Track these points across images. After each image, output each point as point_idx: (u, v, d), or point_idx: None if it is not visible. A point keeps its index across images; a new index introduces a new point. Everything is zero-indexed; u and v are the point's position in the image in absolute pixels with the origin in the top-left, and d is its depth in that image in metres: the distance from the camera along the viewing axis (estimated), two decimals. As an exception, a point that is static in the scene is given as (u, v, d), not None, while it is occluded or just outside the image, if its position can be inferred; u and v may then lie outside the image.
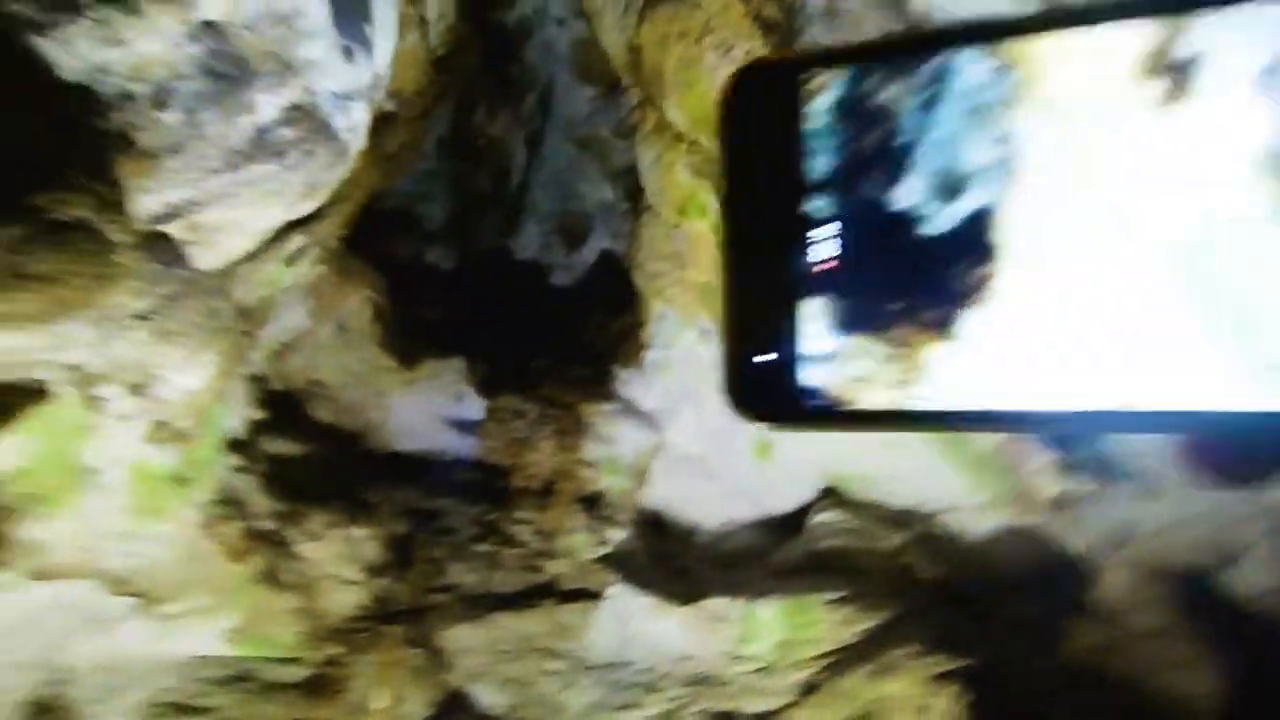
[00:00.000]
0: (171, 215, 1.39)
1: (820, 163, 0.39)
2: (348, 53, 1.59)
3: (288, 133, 1.46)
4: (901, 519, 2.91)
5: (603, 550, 3.19)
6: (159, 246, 1.41)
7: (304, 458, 3.09)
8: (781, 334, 0.41)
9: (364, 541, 2.89)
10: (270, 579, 2.30)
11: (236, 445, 2.44)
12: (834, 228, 0.39)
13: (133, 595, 1.82)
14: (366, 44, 1.69)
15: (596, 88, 5.35)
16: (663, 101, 2.99)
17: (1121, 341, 0.31)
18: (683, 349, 3.78)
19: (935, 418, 0.37)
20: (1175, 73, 0.29)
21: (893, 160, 0.35)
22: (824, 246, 0.39)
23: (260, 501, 2.39)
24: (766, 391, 0.40)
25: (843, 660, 2.39)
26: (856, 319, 0.39)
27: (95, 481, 1.61)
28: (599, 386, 4.05)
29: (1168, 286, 0.30)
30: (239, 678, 2.22)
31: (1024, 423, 0.36)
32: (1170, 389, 0.30)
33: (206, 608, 2.04)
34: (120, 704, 1.88)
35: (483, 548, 3.62)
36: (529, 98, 5.20)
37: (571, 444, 3.60)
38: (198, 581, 1.98)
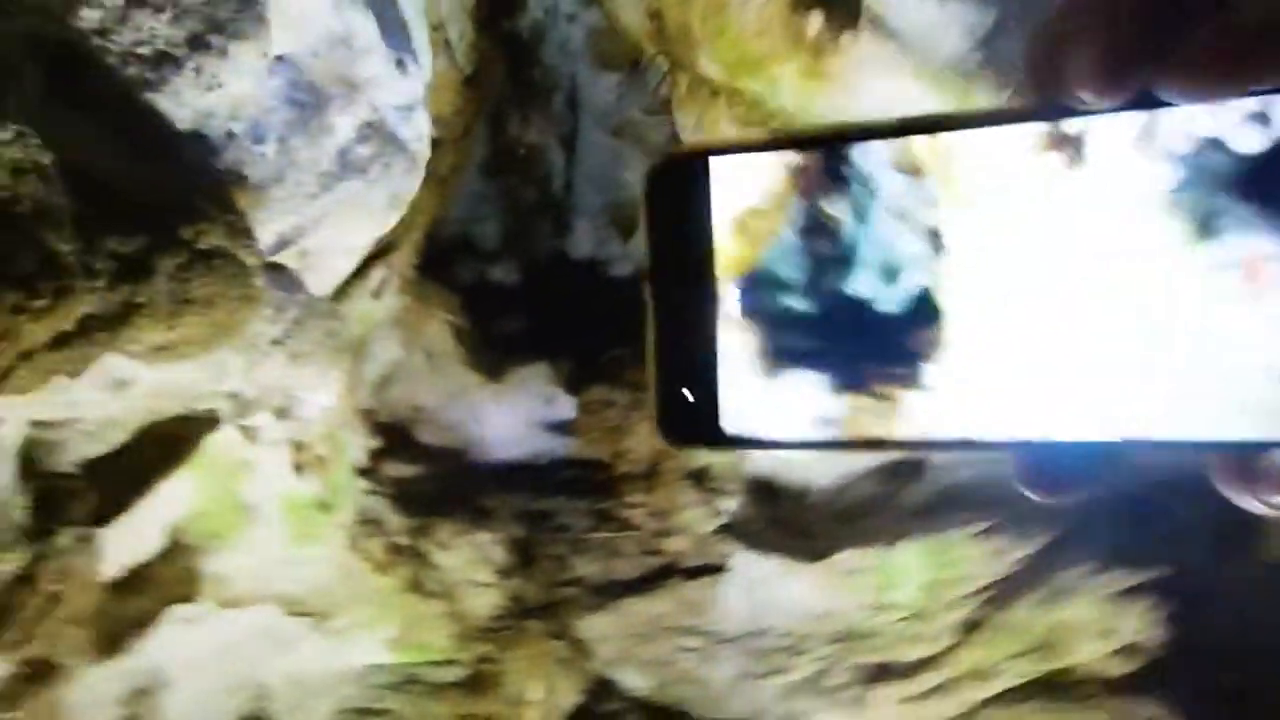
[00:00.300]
0: (284, 244, 1.50)
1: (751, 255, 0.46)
2: (400, 65, 1.66)
3: (364, 150, 1.54)
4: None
5: (719, 522, 3.18)
6: (280, 275, 1.52)
7: (422, 477, 3.24)
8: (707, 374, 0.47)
9: (490, 546, 3.00)
10: (416, 588, 2.42)
11: (363, 472, 2.59)
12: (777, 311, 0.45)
13: (306, 615, 1.98)
14: (414, 55, 1.75)
15: (619, 72, 5.33)
16: (694, 59, 2.93)
17: (1055, 375, 0.36)
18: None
19: (873, 443, 0.44)
20: (1069, 144, 0.35)
21: (838, 258, 0.43)
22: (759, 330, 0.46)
23: (394, 520, 2.52)
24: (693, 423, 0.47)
25: (1003, 593, 2.26)
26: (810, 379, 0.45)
27: (256, 516, 1.75)
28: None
29: (1092, 323, 0.35)
30: (407, 681, 2.35)
31: (958, 448, 0.43)
32: (1105, 416, 0.35)
33: (367, 620, 2.18)
34: (313, 713, 2.04)
35: (599, 537, 3.69)
36: (555, 98, 5.24)
37: (667, 424, 3.57)
38: (356, 596, 2.12)
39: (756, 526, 3.24)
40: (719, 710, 2.80)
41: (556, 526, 3.76)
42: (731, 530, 3.14)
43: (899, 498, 3.32)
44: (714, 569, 3.40)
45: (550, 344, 4.51)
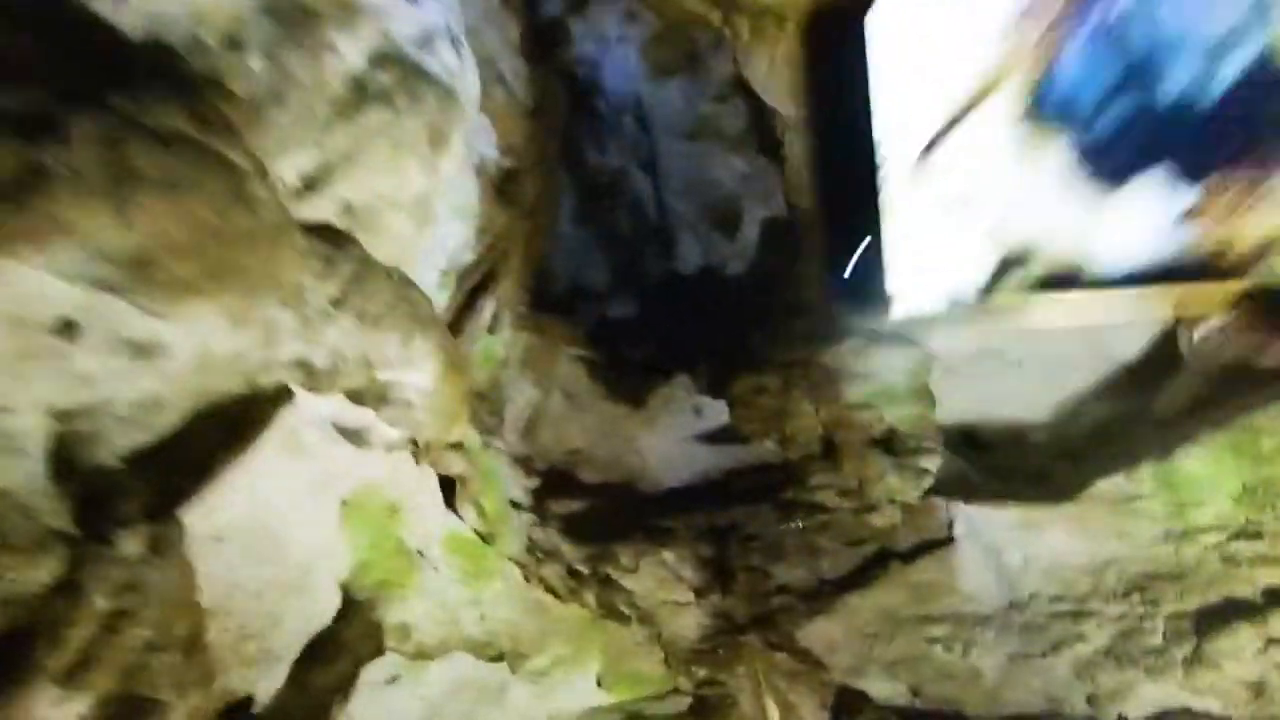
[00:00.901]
0: (312, 183, 1.42)
1: None
2: (409, -4, 1.58)
3: (383, 77, 1.48)
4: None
5: (925, 483, 2.69)
6: (326, 233, 1.44)
7: (590, 510, 3.11)
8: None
9: (677, 564, 2.75)
10: (610, 615, 2.23)
11: (528, 509, 2.50)
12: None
13: (500, 658, 1.85)
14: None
15: (679, 73, 5.21)
16: (750, -6, 2.70)
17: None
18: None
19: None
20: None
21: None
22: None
23: (568, 549, 2.38)
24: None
25: None
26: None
27: (421, 559, 1.69)
28: (825, 329, 3.63)
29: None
30: (630, 717, 2.14)
31: None
32: None
33: (569, 656, 2.02)
34: None
35: (794, 540, 3.30)
36: (624, 119, 5.22)
37: (830, 393, 3.19)
38: (548, 630, 1.97)
39: (974, 480, 2.70)
40: (999, 704, 2.25)
41: (745, 537, 3.43)
42: (945, 490, 2.63)
43: (1147, 411, 2.63)
44: (937, 542, 2.87)
45: (683, 358, 4.30)
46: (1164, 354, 2.59)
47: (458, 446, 1.86)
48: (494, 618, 1.90)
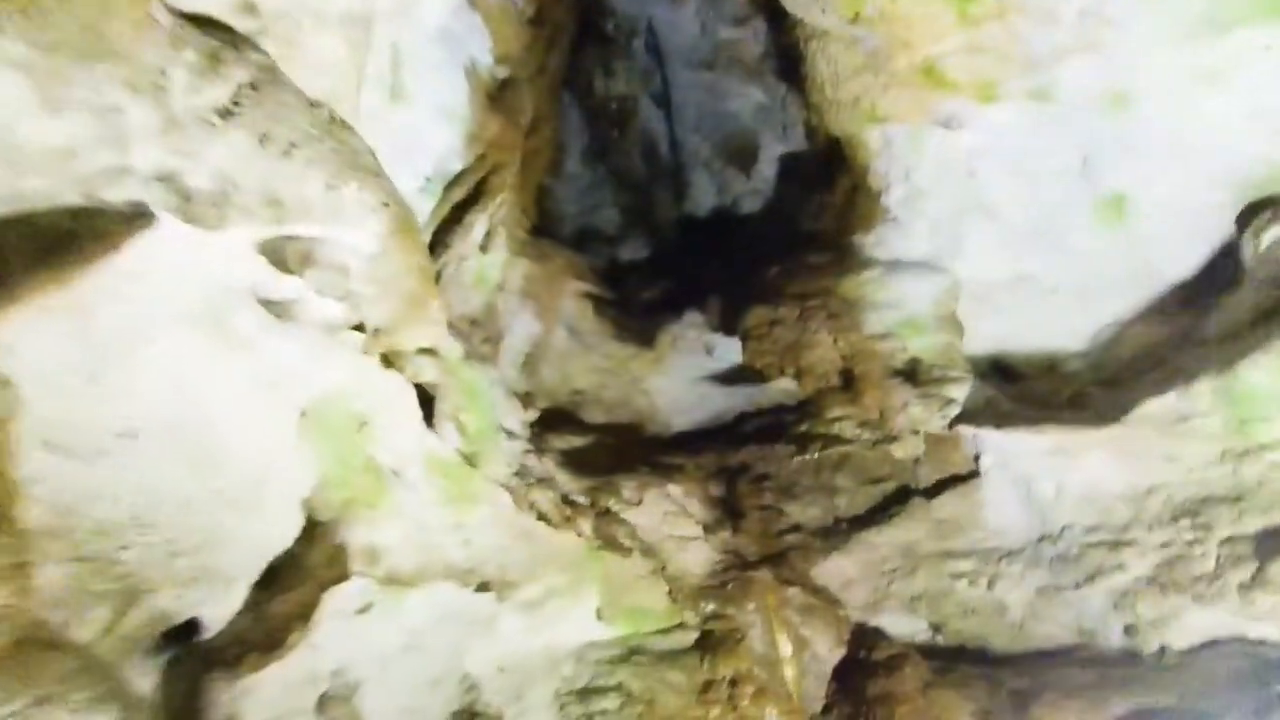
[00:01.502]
0: None
1: None
2: None
3: None
4: None
5: (951, 413, 2.50)
6: (218, 29, 1.22)
7: (594, 445, 2.98)
8: None
9: (685, 499, 2.62)
10: (610, 546, 2.11)
11: (522, 439, 2.37)
12: None
13: (487, 588, 1.74)
14: None
15: (696, -3, 4.89)
16: None
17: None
18: (929, 160, 3.00)
19: None
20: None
21: None
22: None
23: (565, 479, 2.25)
24: None
25: None
26: None
27: (398, 481, 1.56)
28: (846, 260, 3.42)
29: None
30: (632, 653, 2.03)
31: None
32: None
33: (564, 587, 1.90)
34: (533, 700, 1.78)
35: (810, 480, 3.15)
36: (635, 43, 4.93)
37: (850, 324, 3.00)
38: (542, 559, 1.85)
39: (1004, 408, 2.51)
40: (1026, 639, 2.11)
41: (757, 476, 3.29)
42: (974, 419, 2.45)
43: (1202, 328, 2.40)
44: (962, 478, 2.70)
45: (695, 297, 4.11)
46: (1220, 267, 2.36)
47: (429, 352, 1.70)
48: (480, 544, 1.78)
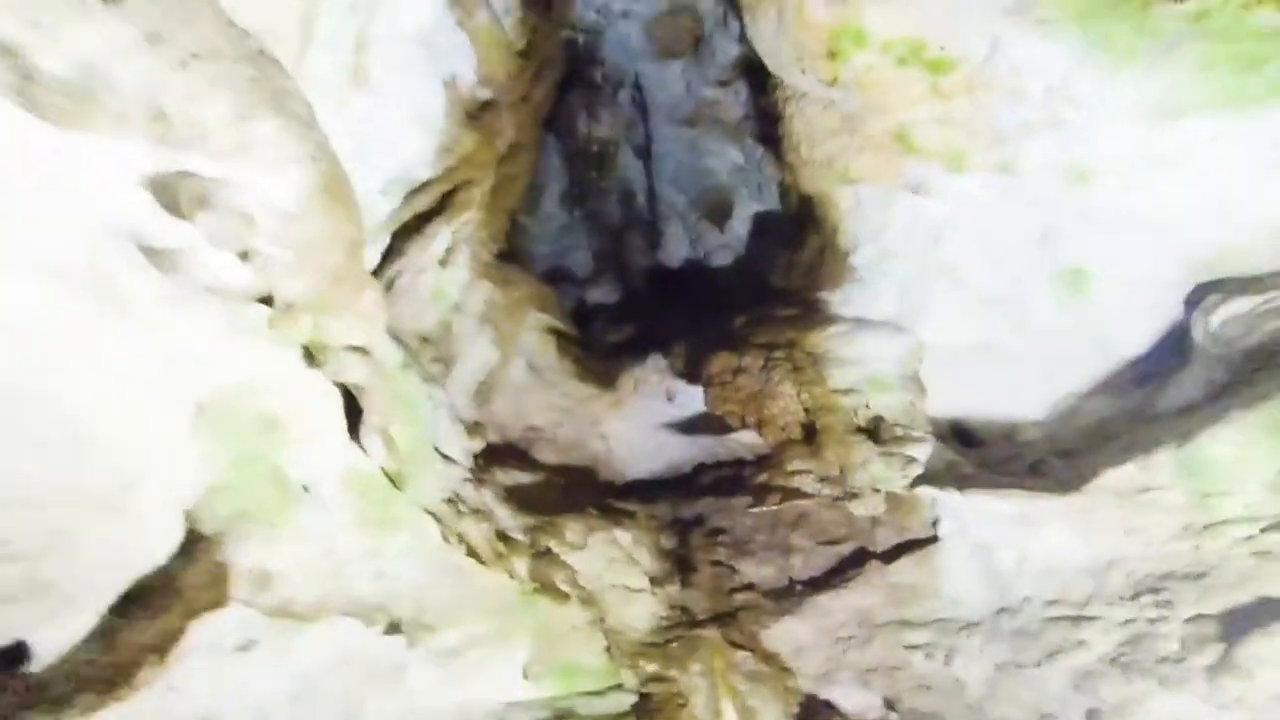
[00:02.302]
0: None
1: None
2: None
3: None
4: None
5: (913, 471, 2.44)
6: None
7: (542, 484, 2.81)
8: None
9: (634, 548, 2.46)
10: (546, 591, 1.92)
11: (463, 467, 2.20)
12: None
13: (398, 629, 1.52)
14: None
15: (683, 56, 5.06)
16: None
17: None
18: (898, 223, 3.05)
19: None
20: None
21: None
22: None
23: (504, 514, 2.07)
24: None
25: None
26: None
27: (308, 498, 1.37)
28: (812, 315, 3.41)
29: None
30: (560, 716, 1.80)
31: None
32: None
33: (488, 635, 1.69)
34: None
35: (766, 538, 3.02)
36: (621, 93, 5.04)
37: (814, 377, 2.95)
38: (466, 602, 1.64)
39: (965, 471, 2.46)
40: (984, 719, 1.98)
41: (711, 530, 3.15)
42: (933, 481, 2.38)
43: (1160, 398, 2.42)
44: (920, 543, 2.62)
45: (660, 342, 4.05)
46: (1172, 344, 2.39)
47: (359, 350, 1.53)
48: (395, 577, 1.57)
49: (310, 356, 1.57)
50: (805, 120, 3.24)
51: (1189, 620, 1.69)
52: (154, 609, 1.32)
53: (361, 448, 1.60)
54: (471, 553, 1.75)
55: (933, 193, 2.82)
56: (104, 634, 1.31)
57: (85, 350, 1.29)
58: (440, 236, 2.12)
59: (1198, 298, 2.32)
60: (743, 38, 4.21)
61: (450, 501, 1.83)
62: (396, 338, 2.03)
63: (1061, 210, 2.43)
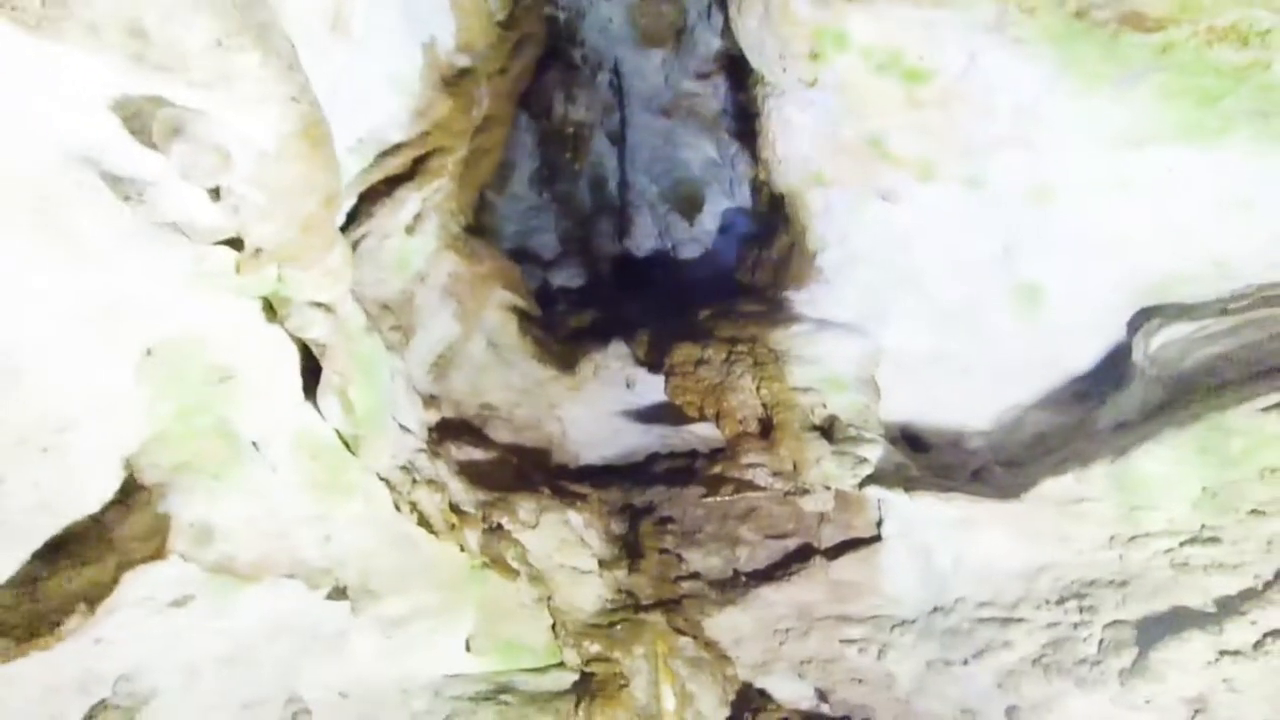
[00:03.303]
0: None
1: None
2: None
3: None
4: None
5: (863, 471, 2.49)
6: None
7: (495, 462, 2.76)
8: None
9: (585, 530, 2.44)
10: (496, 566, 1.88)
11: (419, 438, 2.14)
12: None
13: (343, 594, 1.46)
14: None
15: (664, 46, 5.02)
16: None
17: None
18: (866, 227, 3.10)
19: None
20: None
21: None
22: None
23: (458, 487, 2.02)
24: None
25: None
26: None
27: (255, 455, 1.30)
28: (776, 313, 3.45)
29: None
30: (500, 690, 1.78)
31: None
32: None
33: (434, 607, 1.65)
34: None
35: (714, 529, 3.05)
36: (600, 77, 4.98)
37: (774, 373, 2.99)
38: (414, 572, 1.60)
39: (912, 473, 2.53)
40: (911, 712, 2.04)
41: (661, 519, 3.16)
42: (882, 481, 2.44)
43: (1099, 415, 2.53)
44: (864, 541, 2.68)
45: (623, 329, 4.03)
46: (1113, 365, 2.50)
47: (324, 307, 1.47)
48: (343, 542, 1.51)
49: (271, 310, 1.50)
50: (782, 118, 3.26)
51: (1108, 625, 1.78)
52: (85, 557, 1.23)
53: (317, 409, 1.53)
54: (423, 522, 1.70)
55: (901, 200, 2.87)
56: (28, 580, 1.22)
57: (36, 283, 1.19)
58: (409, 202, 2.04)
59: (1139, 321, 2.43)
60: (725, 31, 4.20)
61: (404, 470, 1.77)
62: (359, 301, 1.96)
63: (1023, 226, 2.50)
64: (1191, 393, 1.94)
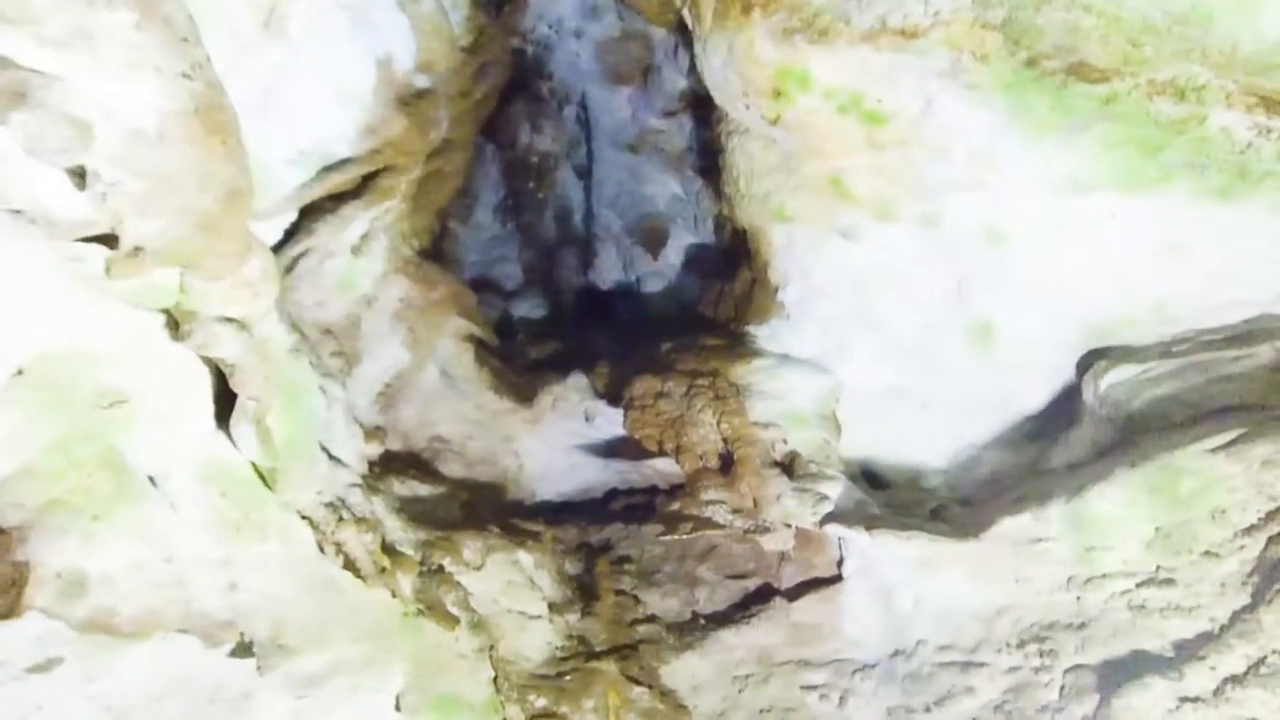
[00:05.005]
0: None
1: None
2: None
3: None
4: (1260, 328, 2.00)
5: (823, 509, 2.44)
6: None
7: (443, 498, 2.61)
8: None
9: (536, 571, 2.31)
10: (434, 614, 1.74)
11: (353, 470, 2.00)
12: None
13: (248, 651, 1.30)
14: None
15: (632, 82, 5.09)
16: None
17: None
18: (826, 265, 3.13)
19: None
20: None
21: None
22: None
23: (395, 525, 1.88)
24: None
25: None
26: None
27: (151, 491, 1.14)
28: (738, 347, 3.43)
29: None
30: (429, 754, 1.62)
31: None
32: None
33: (358, 661, 1.49)
34: None
35: (673, 569, 2.95)
36: (566, 110, 5.00)
37: (735, 408, 2.94)
38: (336, 622, 1.44)
39: (872, 511, 2.49)
40: (876, 766, 1.96)
41: (618, 559, 3.04)
42: (842, 519, 2.39)
43: (1052, 454, 2.55)
44: (825, 581, 2.62)
45: (583, 360, 3.96)
46: (1064, 404, 2.53)
47: (235, 323, 1.33)
48: (252, 591, 1.35)
49: (175, 324, 1.36)
50: (746, 155, 3.30)
51: (1069, 670, 1.74)
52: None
53: (230, 438, 1.39)
54: (349, 565, 1.56)
55: (861, 239, 2.90)
56: None
57: None
58: (357, 221, 1.95)
59: (1089, 362, 2.47)
60: (691, 71, 4.28)
61: (331, 506, 1.63)
62: (295, 324, 1.83)
63: (977, 267, 2.54)
64: (1141, 433, 1.96)
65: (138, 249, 1.15)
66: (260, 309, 1.42)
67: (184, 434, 1.26)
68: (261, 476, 1.44)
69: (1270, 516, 1.54)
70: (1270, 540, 1.53)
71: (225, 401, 1.48)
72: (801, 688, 2.24)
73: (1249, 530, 1.56)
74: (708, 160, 4.46)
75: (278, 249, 1.85)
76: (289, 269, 1.86)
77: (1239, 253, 2.08)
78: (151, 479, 1.23)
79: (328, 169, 1.90)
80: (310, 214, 1.90)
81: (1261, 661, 1.44)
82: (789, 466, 2.70)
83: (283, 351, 1.51)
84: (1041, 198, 2.23)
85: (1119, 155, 1.94)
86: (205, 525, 1.28)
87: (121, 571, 1.21)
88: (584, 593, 2.67)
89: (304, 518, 1.52)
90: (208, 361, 1.43)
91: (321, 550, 1.52)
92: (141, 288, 1.21)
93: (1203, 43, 1.77)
